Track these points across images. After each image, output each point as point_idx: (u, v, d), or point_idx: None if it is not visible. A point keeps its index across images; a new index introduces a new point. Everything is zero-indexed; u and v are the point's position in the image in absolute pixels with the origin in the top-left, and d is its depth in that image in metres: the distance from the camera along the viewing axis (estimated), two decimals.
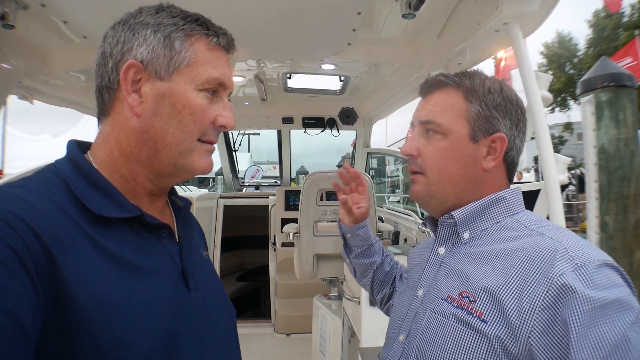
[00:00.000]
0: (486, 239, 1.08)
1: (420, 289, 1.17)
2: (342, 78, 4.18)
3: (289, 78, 4.14)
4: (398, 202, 15.64)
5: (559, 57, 32.17)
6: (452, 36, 2.48)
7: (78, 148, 0.97)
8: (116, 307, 0.80)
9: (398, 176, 22.18)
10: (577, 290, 0.82)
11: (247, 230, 5.59)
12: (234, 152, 6.45)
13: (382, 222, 4.23)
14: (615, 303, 0.81)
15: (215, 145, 1.06)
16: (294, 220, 3.77)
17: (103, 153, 0.96)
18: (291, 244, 4.47)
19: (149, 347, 0.82)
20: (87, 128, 11.85)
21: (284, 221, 4.70)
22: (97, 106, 0.99)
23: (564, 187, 2.05)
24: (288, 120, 5.34)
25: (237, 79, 3.97)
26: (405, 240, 4.28)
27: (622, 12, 28.08)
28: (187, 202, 1.15)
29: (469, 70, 1.17)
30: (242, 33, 1.03)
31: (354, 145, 6.12)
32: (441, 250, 1.17)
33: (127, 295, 0.83)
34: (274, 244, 5.02)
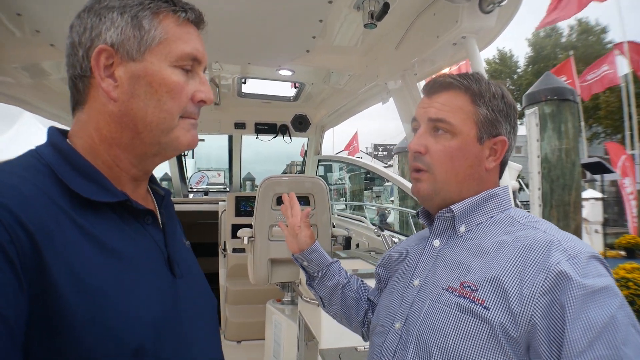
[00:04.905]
0: (481, 233, 1.14)
1: (415, 279, 1.21)
2: (297, 85, 4.21)
3: (244, 83, 4.14)
4: (344, 209, 15.81)
5: (500, 73, 33.31)
6: (410, 47, 2.56)
7: (60, 134, 0.95)
8: (104, 295, 0.79)
9: (344, 184, 22.42)
10: (572, 277, 0.90)
11: (194, 237, 5.48)
12: (183, 157, 6.37)
13: (334, 227, 4.27)
14: (604, 290, 0.90)
15: None
16: (245, 226, 3.75)
17: (82, 140, 0.94)
18: (242, 250, 4.45)
19: (137, 335, 0.81)
20: (25, 128, 11.38)
21: (235, 227, 4.67)
22: (71, 96, 0.97)
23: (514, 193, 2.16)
24: (240, 126, 5.32)
25: None
26: (357, 245, 4.34)
27: (560, 32, 29.40)
28: (167, 192, 1.14)
29: (472, 73, 1.23)
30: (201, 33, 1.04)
31: (303, 154, 6.15)
32: (436, 242, 1.22)
33: (115, 282, 0.82)
34: (224, 250, 4.97)
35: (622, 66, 15.32)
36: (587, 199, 11.25)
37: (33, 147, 0.92)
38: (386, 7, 2.06)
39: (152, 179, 1.12)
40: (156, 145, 0.96)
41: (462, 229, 1.17)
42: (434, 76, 1.30)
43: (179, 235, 1.15)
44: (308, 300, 2.54)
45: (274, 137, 5.40)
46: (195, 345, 0.97)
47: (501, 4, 1.92)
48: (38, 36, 2.65)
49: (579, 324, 0.87)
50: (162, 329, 0.87)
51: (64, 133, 0.97)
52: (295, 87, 4.27)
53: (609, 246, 12.24)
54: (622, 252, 12.28)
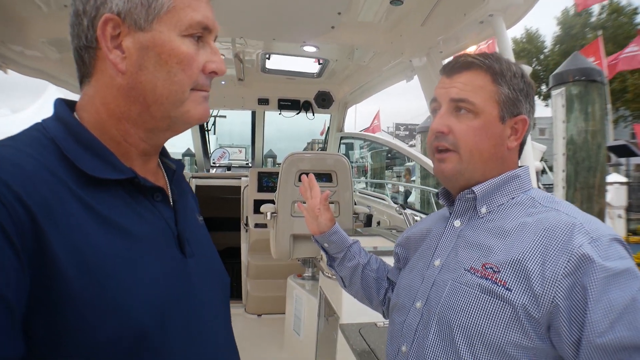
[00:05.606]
0: (503, 214, 1.14)
1: (436, 259, 1.21)
2: (321, 61, 4.20)
3: (268, 59, 4.14)
4: (364, 187, 15.83)
5: (527, 53, 32.65)
6: (436, 25, 2.53)
7: (67, 107, 0.91)
8: (109, 274, 0.77)
9: (366, 162, 22.36)
10: (595, 260, 0.92)
11: (216, 211, 5.53)
12: (206, 132, 6.42)
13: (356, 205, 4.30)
14: (625, 272, 0.92)
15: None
16: (267, 202, 3.79)
17: (89, 115, 0.90)
18: (264, 225, 4.49)
19: (144, 314, 0.80)
20: (48, 104, 11.51)
21: (257, 202, 4.71)
22: (77, 69, 0.93)
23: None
24: (264, 102, 5.33)
25: None
26: (379, 223, 4.36)
27: (590, 11, 28.71)
28: (179, 165, 1.10)
29: (491, 53, 1.22)
30: (226, 9, 1.01)
31: (323, 132, 6.14)
32: (457, 223, 1.22)
33: (120, 261, 0.79)
34: (247, 225, 5.03)
35: None
36: (611, 183, 11.07)
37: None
38: None
39: (164, 152, 1.09)
40: (166, 119, 0.92)
41: (484, 210, 1.17)
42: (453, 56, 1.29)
43: (191, 211, 1.12)
44: (329, 276, 2.57)
45: (297, 114, 5.41)
46: (204, 325, 0.96)
47: None
48: (65, 10, 2.66)
49: (601, 306, 0.89)
50: (169, 309, 0.86)
51: (72, 105, 0.94)
52: (319, 64, 4.26)
53: (631, 232, 12.08)
54: None
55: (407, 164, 21.01)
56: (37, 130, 0.85)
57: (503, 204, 1.16)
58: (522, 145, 1.23)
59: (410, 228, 1.51)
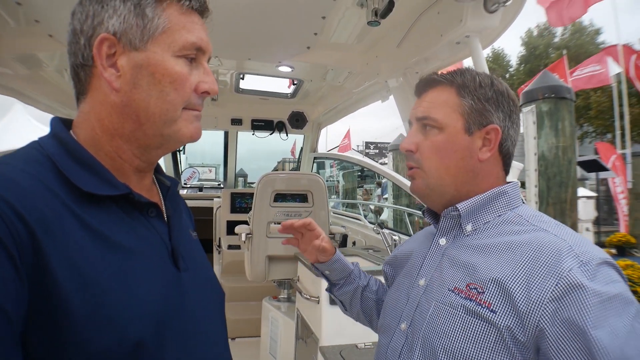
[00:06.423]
0: (489, 232, 1.11)
1: (421, 279, 1.18)
2: (295, 82, 4.20)
3: (242, 79, 4.11)
4: (333, 206, 15.84)
5: (493, 72, 33.28)
6: (412, 46, 2.55)
7: (63, 125, 0.93)
8: (104, 288, 0.78)
9: (337, 181, 22.41)
10: (585, 285, 0.87)
11: None
12: (178, 153, 6.34)
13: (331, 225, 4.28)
14: (617, 297, 0.88)
15: None
16: (241, 223, 3.74)
17: (85, 132, 0.93)
18: (237, 247, 4.43)
19: (140, 328, 0.81)
20: (14, 122, 11.19)
21: (230, 223, 4.66)
22: (73, 86, 0.96)
23: None
24: (237, 122, 5.29)
25: None
26: (354, 243, 4.34)
27: (554, 32, 29.57)
28: (174, 182, 1.13)
29: (458, 68, 1.21)
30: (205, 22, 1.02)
31: (293, 151, 6.13)
32: (442, 241, 1.20)
33: (116, 275, 0.81)
34: (219, 246, 4.96)
35: (614, 66, 15.36)
36: (578, 197, 11.35)
37: (24, 140, 0.91)
38: (391, 4, 2.04)
39: (158, 169, 1.11)
40: (158, 137, 0.95)
41: (469, 227, 1.14)
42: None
43: (185, 226, 1.13)
44: (307, 297, 2.53)
45: (271, 134, 5.38)
46: (199, 339, 0.96)
47: (506, 4, 1.92)
48: (37, 26, 2.61)
49: (604, 332, 0.83)
50: (164, 323, 0.86)
51: (68, 123, 0.95)
52: (294, 84, 4.25)
53: (599, 244, 12.32)
54: (613, 250, 12.35)
55: (374, 183, 21.16)
56: (33, 148, 0.87)
57: (489, 221, 1.13)
58: (506, 158, 1.20)
59: (399, 246, 1.49)
